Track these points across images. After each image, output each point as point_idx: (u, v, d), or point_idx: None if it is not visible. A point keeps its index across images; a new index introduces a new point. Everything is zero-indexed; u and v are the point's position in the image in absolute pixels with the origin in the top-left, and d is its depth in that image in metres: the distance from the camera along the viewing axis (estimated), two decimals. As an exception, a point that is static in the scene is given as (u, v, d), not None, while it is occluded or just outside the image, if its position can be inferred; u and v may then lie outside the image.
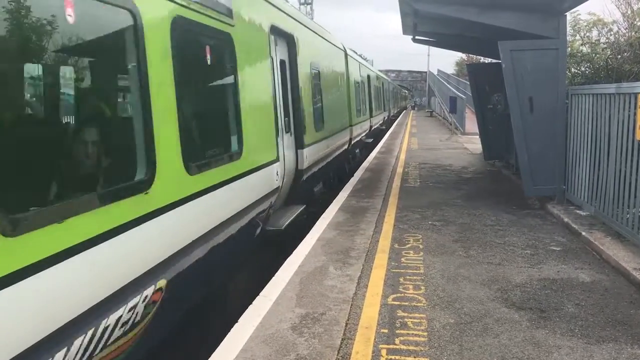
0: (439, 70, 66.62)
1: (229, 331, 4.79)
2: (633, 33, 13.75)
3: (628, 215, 7.13)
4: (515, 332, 4.75)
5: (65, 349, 2.99)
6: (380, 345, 4.49)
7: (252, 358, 4.30)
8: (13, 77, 3.18)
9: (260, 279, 6.30)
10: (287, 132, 8.25)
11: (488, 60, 22.51)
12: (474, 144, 20.79)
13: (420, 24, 12.79)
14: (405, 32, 14.62)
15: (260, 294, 5.66)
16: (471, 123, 25.77)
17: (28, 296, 2.74)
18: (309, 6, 65.31)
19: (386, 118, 34.68)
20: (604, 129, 8.02)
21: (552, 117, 9.51)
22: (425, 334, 4.70)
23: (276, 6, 7.78)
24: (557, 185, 9.69)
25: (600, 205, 8.13)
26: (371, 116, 22.72)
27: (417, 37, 15.45)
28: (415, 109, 72.26)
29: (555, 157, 9.61)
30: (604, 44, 14.29)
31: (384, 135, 28.29)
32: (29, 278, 2.73)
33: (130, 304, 3.62)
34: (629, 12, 14.24)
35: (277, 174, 7.11)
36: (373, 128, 23.85)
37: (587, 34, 14.67)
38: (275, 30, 7.62)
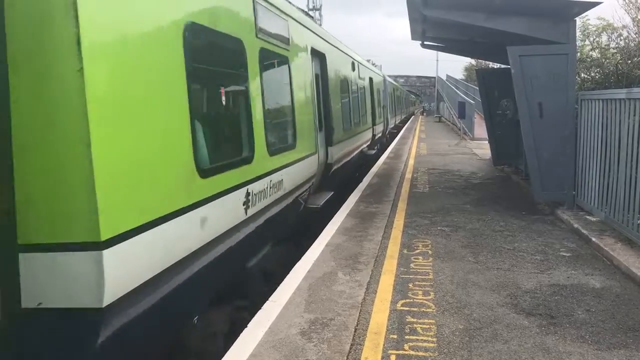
0: (447, 76, 66.50)
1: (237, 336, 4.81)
2: (643, 38, 13.69)
3: (639, 221, 7.09)
4: (525, 338, 4.73)
5: None
6: (390, 351, 4.48)
7: (262, 363, 4.31)
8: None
9: None
10: None
11: (497, 65, 22.49)
12: (483, 150, 20.73)
13: (429, 29, 12.81)
14: (414, 37, 14.65)
15: (269, 299, 5.68)
16: (480, 128, 25.69)
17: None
18: (317, 12, 65.55)
19: (380, 135, 22.89)
20: (614, 134, 7.98)
21: (561, 123, 9.48)
22: (435, 339, 4.69)
23: None
24: (567, 190, 9.65)
25: (611, 211, 8.09)
26: (329, 144, 11.08)
27: (425, 43, 15.49)
28: (424, 114, 72.14)
29: (565, 162, 9.58)
30: (613, 49, 14.23)
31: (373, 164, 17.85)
32: None
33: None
34: (638, 16, 14.17)
35: None
36: (334, 169, 11.33)
37: (597, 39, 14.62)
38: None
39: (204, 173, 4.78)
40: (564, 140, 9.52)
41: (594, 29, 14.38)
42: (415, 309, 5.37)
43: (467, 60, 55.76)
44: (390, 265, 6.75)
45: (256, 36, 6.62)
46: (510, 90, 10.61)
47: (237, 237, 5.61)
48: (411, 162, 18.37)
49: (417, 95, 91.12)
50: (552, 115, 9.46)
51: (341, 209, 10.30)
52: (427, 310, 5.35)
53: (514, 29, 9.42)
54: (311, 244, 7.69)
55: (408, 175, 14.87)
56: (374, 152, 19.39)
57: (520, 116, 9.71)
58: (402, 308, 5.40)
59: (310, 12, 59.53)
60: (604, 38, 14.59)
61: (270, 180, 6.73)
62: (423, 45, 15.80)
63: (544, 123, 9.50)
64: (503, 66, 15.75)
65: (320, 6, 65.95)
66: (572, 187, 9.61)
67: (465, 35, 11.98)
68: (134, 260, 3.74)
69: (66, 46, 3.31)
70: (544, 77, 9.43)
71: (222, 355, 4.47)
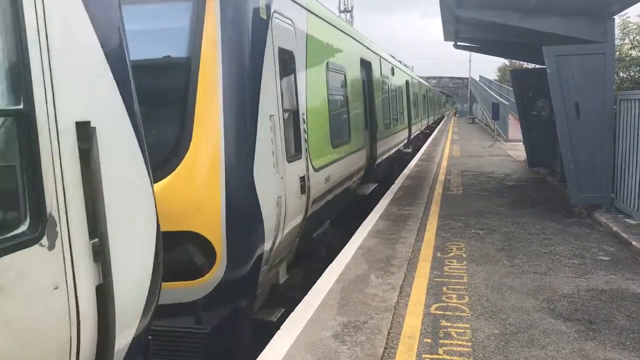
0: (480, 77, 65.70)
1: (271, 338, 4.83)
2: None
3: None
4: (562, 343, 4.64)
5: None
6: (424, 355, 4.44)
7: (295, 365, 4.32)
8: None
9: None
10: None
11: (531, 65, 22.13)
12: (518, 151, 20.42)
13: (462, 30, 12.69)
14: (446, 38, 14.52)
15: (302, 300, 5.69)
16: (514, 130, 25.29)
17: None
18: (348, 14, 65.54)
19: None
20: (655, 135, 7.77)
21: (599, 123, 9.26)
22: (470, 344, 4.63)
23: None
24: (605, 193, 9.42)
25: (652, 214, 7.87)
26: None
27: (458, 44, 15.34)
28: (457, 115, 71.40)
29: (602, 164, 9.35)
30: (654, 47, 13.88)
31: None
32: None
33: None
34: (680, 14, 13.79)
35: None
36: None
37: (637, 37, 14.27)
38: None
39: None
40: (602, 142, 9.30)
41: (634, 26, 14.04)
42: (449, 313, 5.31)
43: (500, 61, 55.09)
44: (423, 269, 6.69)
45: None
46: (545, 90, 10.41)
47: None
48: (444, 163, 18.21)
49: (450, 96, 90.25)
50: (590, 115, 9.25)
51: (373, 211, 10.26)
52: (462, 314, 5.29)
53: (550, 28, 9.24)
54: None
55: (441, 177, 14.74)
56: None
57: (556, 117, 9.52)
58: (436, 312, 5.35)
59: (341, 15, 59.53)
60: (644, 36, 14.23)
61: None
62: (456, 46, 15.65)
63: (581, 124, 9.29)
64: (538, 66, 15.49)
65: (352, 8, 65.95)
66: (610, 190, 9.37)
67: (499, 36, 11.82)
68: None
69: None
70: (581, 77, 9.22)
71: (256, 357, 4.50)
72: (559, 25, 9.20)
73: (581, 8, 9.06)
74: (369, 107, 11.87)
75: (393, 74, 16.85)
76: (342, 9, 63.78)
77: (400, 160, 18.05)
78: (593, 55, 9.16)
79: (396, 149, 16.70)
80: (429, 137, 30.20)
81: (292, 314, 5.33)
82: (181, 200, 4.63)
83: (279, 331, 4.95)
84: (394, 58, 19.50)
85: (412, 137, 21.69)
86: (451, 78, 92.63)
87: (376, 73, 13.03)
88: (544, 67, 9.73)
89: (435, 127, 43.21)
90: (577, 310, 5.37)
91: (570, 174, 9.57)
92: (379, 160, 12.49)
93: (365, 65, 11.66)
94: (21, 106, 2.21)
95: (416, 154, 21.34)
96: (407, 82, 21.24)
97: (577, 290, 5.94)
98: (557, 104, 9.39)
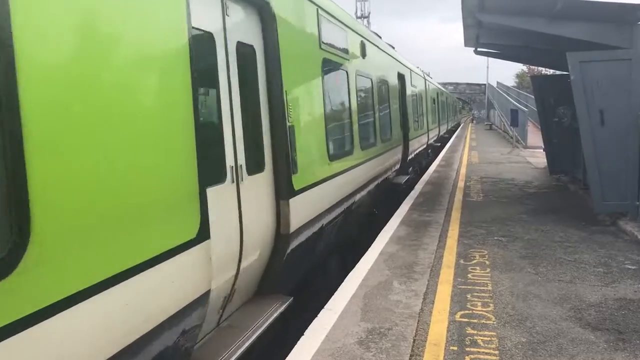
0: (498, 83, 65.40)
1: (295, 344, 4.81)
2: None
3: None
4: (592, 353, 4.56)
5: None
6: (450, 363, 4.39)
7: (320, 371, 4.29)
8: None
9: None
10: None
11: (550, 71, 21.95)
12: (537, 158, 20.23)
13: (483, 35, 12.59)
14: (467, 44, 14.43)
15: (324, 307, 5.66)
16: (533, 136, 25.06)
17: None
18: (365, 19, 65.64)
19: None
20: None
21: (624, 131, 9.12)
22: (497, 352, 4.57)
23: None
24: (630, 201, 9.27)
25: (679, 223, 7.73)
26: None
27: (479, 49, 15.25)
28: (474, 122, 71.11)
29: (628, 171, 9.20)
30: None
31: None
32: None
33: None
34: None
35: None
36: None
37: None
38: None
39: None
40: (627, 149, 9.16)
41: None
42: (475, 321, 5.25)
43: (518, 67, 54.79)
44: (447, 276, 6.64)
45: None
46: (566, 97, 10.30)
47: None
48: (463, 170, 18.08)
49: (466, 102, 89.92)
50: (614, 123, 9.12)
51: (393, 217, 10.21)
52: (487, 322, 5.23)
53: (574, 34, 9.14)
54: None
55: (460, 184, 14.64)
56: None
57: (579, 124, 9.40)
58: (461, 319, 5.29)
59: (358, 20, 59.59)
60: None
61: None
62: (477, 52, 15.56)
63: (606, 131, 9.17)
64: (558, 72, 15.33)
65: (369, 14, 66.07)
66: (636, 197, 9.22)
67: (522, 41, 11.71)
68: None
69: None
70: (606, 84, 9.10)
71: (281, 363, 4.46)
72: (584, 31, 9.10)
73: (606, 14, 8.96)
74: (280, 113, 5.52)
75: (364, 54, 9.72)
76: (359, 14, 63.88)
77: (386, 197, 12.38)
78: (618, 62, 9.04)
79: (378, 182, 10.79)
80: (442, 150, 28.72)
81: (314, 320, 5.30)
82: None
83: (302, 337, 4.92)
84: (382, 39, 13.27)
85: (410, 156, 15.95)
86: (468, 84, 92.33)
87: (309, 41, 6.70)
88: (566, 73, 9.62)
89: (449, 138, 37.63)
90: (605, 320, 5.28)
91: (593, 182, 9.45)
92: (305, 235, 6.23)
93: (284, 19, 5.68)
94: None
95: (419, 178, 16.19)
96: (400, 75, 14.93)
97: (604, 299, 5.85)
98: (580, 111, 9.27)
